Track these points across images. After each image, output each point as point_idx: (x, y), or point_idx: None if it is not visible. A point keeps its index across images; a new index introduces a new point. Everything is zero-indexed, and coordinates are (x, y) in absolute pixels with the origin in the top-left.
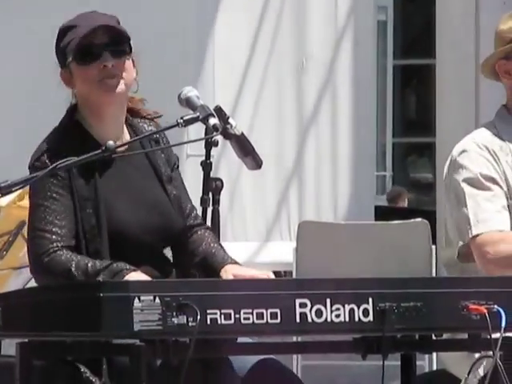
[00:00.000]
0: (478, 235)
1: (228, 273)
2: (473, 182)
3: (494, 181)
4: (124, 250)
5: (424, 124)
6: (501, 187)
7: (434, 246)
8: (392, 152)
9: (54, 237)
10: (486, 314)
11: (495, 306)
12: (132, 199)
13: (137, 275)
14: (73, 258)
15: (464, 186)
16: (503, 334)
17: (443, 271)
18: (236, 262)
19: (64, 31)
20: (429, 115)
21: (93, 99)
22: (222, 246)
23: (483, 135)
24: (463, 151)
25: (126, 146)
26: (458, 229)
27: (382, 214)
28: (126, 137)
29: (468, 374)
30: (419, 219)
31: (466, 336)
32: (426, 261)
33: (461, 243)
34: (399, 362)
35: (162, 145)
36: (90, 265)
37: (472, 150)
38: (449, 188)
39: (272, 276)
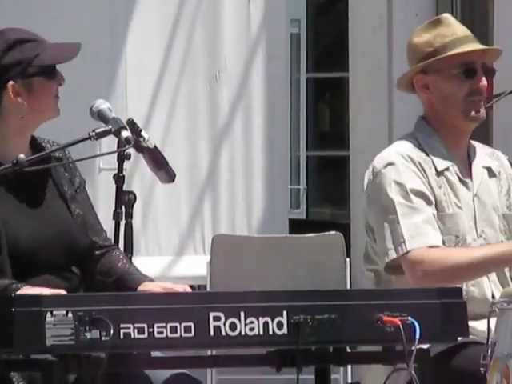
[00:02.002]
0: (410, 251)
1: (146, 288)
2: (404, 195)
3: (423, 194)
4: (27, 268)
5: (338, 137)
6: (429, 199)
7: (348, 259)
8: (306, 165)
9: None
10: (401, 326)
11: (409, 318)
12: (34, 217)
13: (27, 289)
14: None
15: (394, 199)
16: (417, 346)
17: (358, 283)
18: (152, 281)
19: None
20: (343, 128)
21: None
22: (137, 268)
23: (406, 147)
24: (390, 163)
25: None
26: (388, 241)
27: (296, 227)
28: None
29: None
30: (333, 232)
31: (380, 348)
32: (341, 273)
33: (393, 256)
34: (314, 376)
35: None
36: None
37: (399, 163)
38: (374, 200)
39: (188, 289)
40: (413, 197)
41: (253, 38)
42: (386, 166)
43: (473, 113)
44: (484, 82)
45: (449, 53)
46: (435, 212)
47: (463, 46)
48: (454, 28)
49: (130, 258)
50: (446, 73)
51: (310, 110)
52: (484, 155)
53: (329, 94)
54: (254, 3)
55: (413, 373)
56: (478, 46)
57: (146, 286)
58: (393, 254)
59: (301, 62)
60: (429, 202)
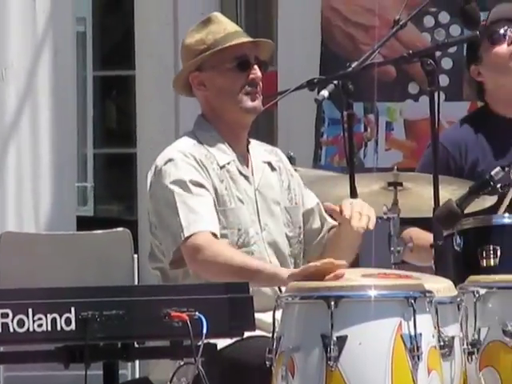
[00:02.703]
0: (189, 237)
1: None
2: (182, 188)
3: (203, 186)
4: None
5: (125, 135)
6: (210, 193)
7: (136, 255)
8: (93, 162)
9: None
10: (188, 321)
11: (196, 313)
12: None
13: None
14: None
15: (174, 192)
16: (204, 341)
17: (146, 280)
18: None
19: None
20: (130, 126)
21: None
22: None
23: (187, 144)
24: (169, 160)
25: None
26: (171, 235)
27: (84, 224)
28: None
29: (170, 381)
30: (121, 229)
31: (168, 343)
32: (129, 270)
33: (174, 248)
34: (102, 371)
35: None
36: None
37: (178, 159)
38: (157, 197)
39: None
40: (192, 187)
41: (39, 34)
42: (166, 163)
43: (249, 104)
44: (258, 73)
45: (220, 47)
46: (212, 203)
47: (235, 40)
48: (224, 24)
49: None
50: (220, 67)
51: (96, 107)
52: (263, 151)
53: (115, 91)
54: (40, 0)
55: (200, 367)
56: (249, 39)
57: None
58: (174, 247)
59: (87, 60)
60: (208, 195)
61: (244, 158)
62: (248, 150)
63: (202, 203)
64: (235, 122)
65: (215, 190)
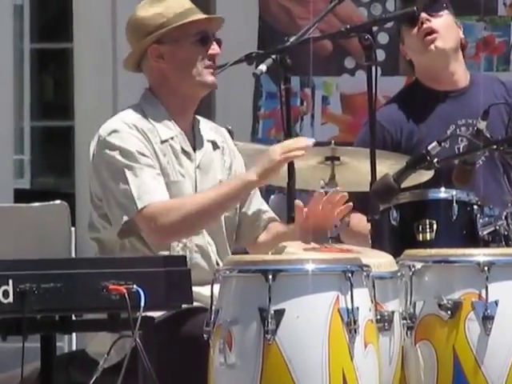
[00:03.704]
0: (144, 207)
1: None
2: (130, 158)
3: (148, 156)
4: None
5: (62, 108)
6: (155, 162)
7: (73, 228)
8: (30, 136)
9: None
10: (126, 294)
11: (134, 286)
12: None
13: None
14: None
15: (121, 162)
16: (142, 314)
17: (84, 252)
18: None
19: None
20: (67, 99)
21: None
22: None
23: (132, 116)
24: (114, 131)
25: None
26: (119, 205)
27: (21, 196)
28: None
29: (107, 354)
30: (58, 201)
31: (106, 316)
32: (66, 242)
33: (125, 219)
34: (39, 344)
35: None
36: None
37: (123, 130)
38: (101, 168)
39: None
40: (140, 157)
41: None
42: (110, 134)
43: (209, 78)
44: (217, 49)
45: (186, 20)
46: (159, 174)
47: (196, 15)
48: (181, 1)
49: None
50: (183, 41)
51: (33, 80)
52: (209, 129)
53: (53, 64)
54: None
55: (138, 340)
56: (211, 16)
57: None
58: (125, 217)
59: (24, 33)
60: (154, 164)
61: (188, 134)
62: (193, 128)
63: (152, 174)
64: (189, 95)
65: (159, 162)
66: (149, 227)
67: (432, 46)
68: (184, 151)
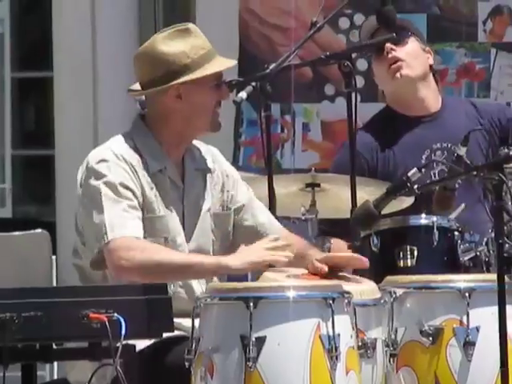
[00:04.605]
0: (112, 240)
1: None
2: (112, 190)
3: (132, 192)
4: None
5: (43, 136)
6: (138, 200)
7: (54, 257)
8: (11, 164)
9: None
10: (107, 323)
11: (115, 315)
12: None
13: None
14: None
15: (103, 192)
16: (123, 342)
17: (64, 281)
18: None
19: None
20: (48, 128)
21: None
22: None
23: (121, 146)
24: (102, 160)
25: None
26: (94, 235)
27: (2, 226)
28: None
29: (89, 383)
30: (39, 230)
31: (87, 344)
32: (47, 271)
33: (97, 249)
34: (20, 373)
35: None
36: None
37: (111, 160)
38: (85, 195)
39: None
40: (121, 190)
41: None
42: (98, 162)
43: (218, 121)
44: (228, 93)
45: (210, 68)
46: (141, 213)
47: (218, 59)
48: (203, 39)
49: None
50: (202, 84)
51: (14, 109)
52: (198, 155)
53: (34, 93)
54: None
55: (118, 368)
56: (231, 62)
57: None
58: (97, 247)
59: (5, 62)
60: (136, 201)
61: (177, 166)
62: (183, 158)
63: (129, 208)
64: (192, 135)
65: (144, 196)
66: (110, 260)
67: (398, 75)
68: (173, 183)
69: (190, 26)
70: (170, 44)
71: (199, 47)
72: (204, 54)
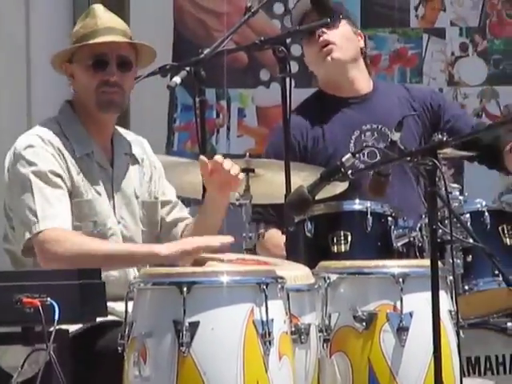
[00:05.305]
0: (43, 231)
1: None
2: (41, 179)
3: (61, 178)
4: None
5: None
6: (66, 185)
7: None
8: None
9: None
10: (40, 307)
11: (48, 299)
12: None
13: None
14: None
15: (32, 181)
16: (56, 327)
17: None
18: None
19: None
20: None
21: None
22: None
23: (47, 131)
24: (29, 146)
25: None
26: (23, 223)
27: None
28: None
29: (21, 368)
30: None
31: (19, 329)
32: None
33: (27, 236)
34: None
35: None
36: None
37: (38, 146)
38: (13, 181)
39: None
40: (51, 177)
41: None
42: (25, 148)
43: (104, 103)
44: (114, 75)
45: (87, 42)
46: (69, 199)
47: (97, 38)
48: (96, 19)
49: None
50: (82, 63)
51: None
52: (127, 142)
53: None
54: None
55: (52, 353)
56: (108, 39)
57: None
58: (27, 235)
59: None
60: (65, 187)
61: (105, 149)
62: (112, 142)
63: (60, 196)
64: (99, 117)
65: (72, 180)
66: (40, 251)
67: (328, 58)
68: (101, 166)
69: (93, 6)
70: (77, 24)
71: (87, 26)
72: (88, 32)
